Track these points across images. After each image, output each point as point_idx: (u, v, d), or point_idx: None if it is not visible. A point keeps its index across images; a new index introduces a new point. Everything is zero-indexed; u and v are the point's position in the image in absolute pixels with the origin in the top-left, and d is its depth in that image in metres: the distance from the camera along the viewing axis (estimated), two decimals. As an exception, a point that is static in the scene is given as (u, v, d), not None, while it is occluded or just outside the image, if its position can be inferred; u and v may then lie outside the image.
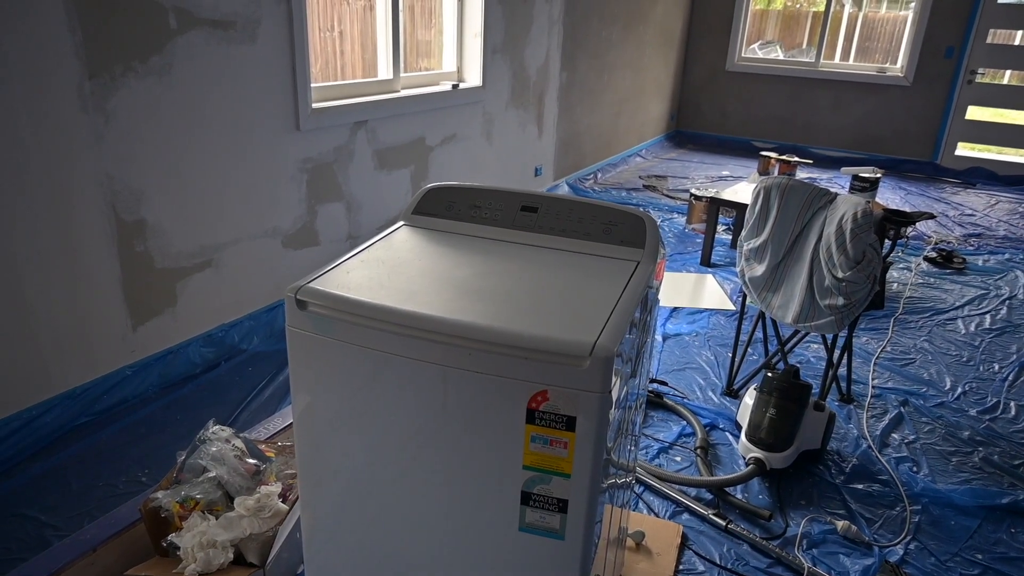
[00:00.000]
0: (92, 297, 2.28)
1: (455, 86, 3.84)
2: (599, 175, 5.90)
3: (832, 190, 2.35)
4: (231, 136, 2.61)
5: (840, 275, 2.21)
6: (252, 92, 2.65)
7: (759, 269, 2.46)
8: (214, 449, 1.61)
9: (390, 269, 1.26)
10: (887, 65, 6.84)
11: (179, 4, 2.33)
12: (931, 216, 2.76)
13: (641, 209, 1.41)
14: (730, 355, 2.91)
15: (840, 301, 2.24)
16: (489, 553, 1.20)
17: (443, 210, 1.51)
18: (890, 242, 2.43)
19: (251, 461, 1.67)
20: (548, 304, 1.15)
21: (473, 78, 4.05)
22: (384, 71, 3.51)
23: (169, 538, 1.53)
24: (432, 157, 3.78)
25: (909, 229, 4.39)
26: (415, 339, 1.10)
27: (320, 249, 3.15)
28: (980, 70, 6.32)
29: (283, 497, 1.63)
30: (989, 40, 6.20)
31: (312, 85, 2.95)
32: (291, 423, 2.03)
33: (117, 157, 2.25)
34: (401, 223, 1.51)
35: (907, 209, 4.94)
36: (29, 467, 2.09)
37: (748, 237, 2.47)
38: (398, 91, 3.53)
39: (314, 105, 2.97)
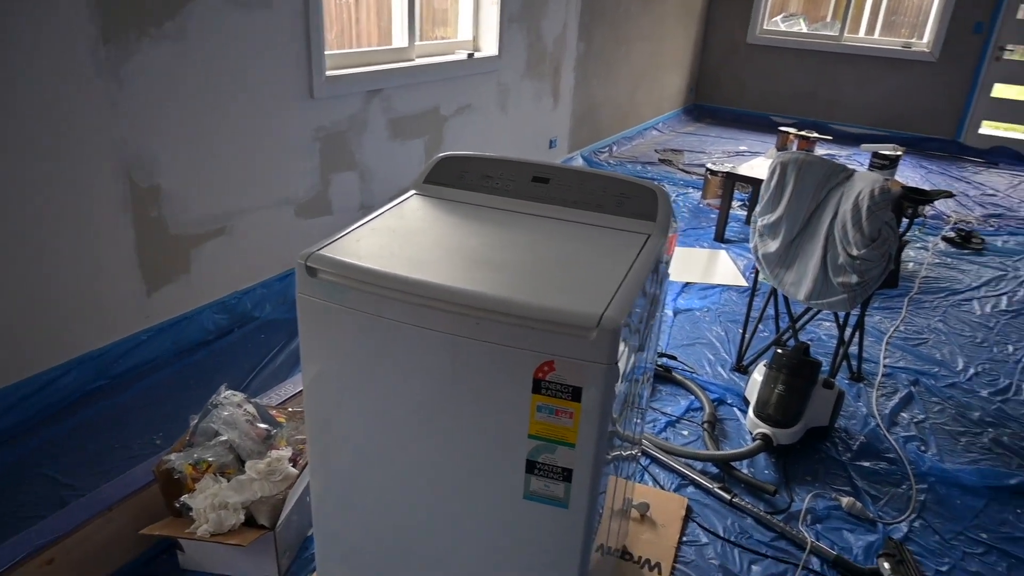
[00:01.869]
0: (107, 262, 2.30)
1: (471, 55, 3.80)
2: (614, 148, 5.85)
3: (850, 167, 2.32)
4: (245, 103, 2.60)
5: (855, 253, 2.19)
6: (266, 59, 2.64)
7: (773, 245, 2.44)
8: (226, 413, 1.64)
9: (401, 238, 1.26)
10: (913, 40, 6.69)
11: (193, -32, 2.31)
12: (949, 195, 2.72)
13: (654, 182, 1.40)
14: (741, 331, 2.90)
15: (854, 279, 2.22)
16: (494, 520, 1.22)
17: (455, 180, 1.50)
18: (907, 220, 2.40)
19: (262, 426, 1.70)
20: (557, 275, 1.15)
21: (489, 47, 4.01)
22: (399, 39, 3.48)
23: (182, 499, 1.56)
24: (447, 127, 3.76)
25: (927, 208, 4.33)
26: (424, 307, 1.10)
27: (333, 218, 3.16)
28: (1009, 46, 6.16)
29: (294, 461, 1.65)
30: (1021, 16, 6.03)
31: (326, 52, 2.93)
32: (302, 389, 2.05)
33: (132, 123, 2.26)
34: (412, 192, 1.51)
35: (926, 187, 4.86)
36: (47, 428, 2.14)
37: (763, 213, 2.45)
38: (413, 59, 3.50)
39: (328, 73, 2.95)
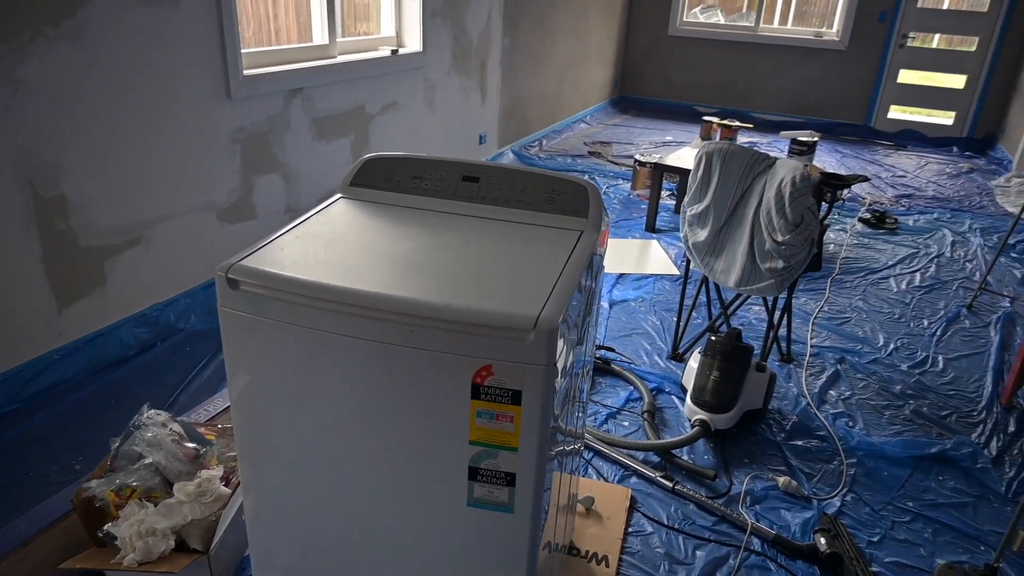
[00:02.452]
0: (12, 278, 2.15)
1: (394, 52, 3.73)
2: (544, 142, 5.86)
3: (772, 154, 2.38)
4: (157, 105, 2.47)
5: (780, 239, 2.25)
6: (178, 58, 2.51)
7: (702, 234, 2.48)
8: (149, 434, 1.55)
9: (326, 244, 1.22)
10: (823, 29, 6.95)
11: (92, -37, 2.18)
12: (865, 179, 2.83)
13: (584, 177, 1.39)
14: (675, 320, 2.95)
15: (780, 264, 2.28)
16: (438, 530, 1.19)
17: (382, 181, 1.46)
18: (827, 205, 2.48)
19: (190, 445, 1.62)
20: (491, 277, 1.13)
21: (413, 43, 3.94)
22: (319, 36, 3.38)
23: (106, 528, 1.47)
24: (372, 126, 3.68)
25: (844, 192, 4.51)
26: (354, 317, 1.06)
27: (257, 223, 3.05)
28: (911, 34, 6.48)
29: (226, 480, 1.58)
30: (920, 4, 6.35)
31: (243, 51, 2.81)
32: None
33: (31, 129, 2.11)
34: (338, 195, 1.46)
35: (843, 172, 5.07)
36: (-49, 460, 1.98)
37: (691, 202, 2.49)
38: (335, 57, 3.41)
39: (245, 72, 2.84)
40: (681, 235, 2.57)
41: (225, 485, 1.58)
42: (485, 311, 1.02)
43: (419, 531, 1.20)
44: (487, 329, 1.01)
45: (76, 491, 1.50)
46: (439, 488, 1.15)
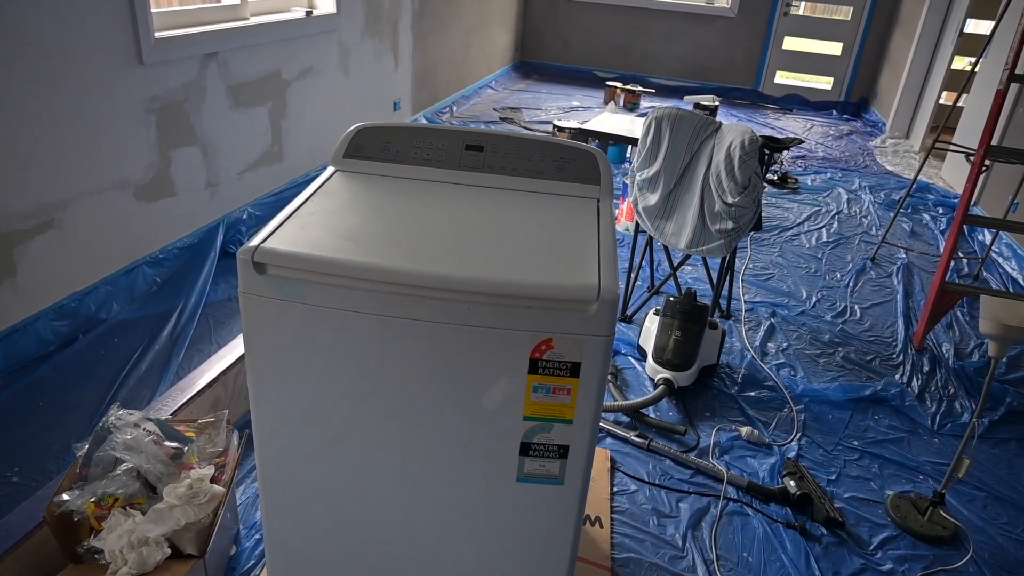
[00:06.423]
0: (-91, 273, 1.88)
1: (309, 13, 3.51)
2: (455, 108, 5.76)
3: (716, 120, 2.45)
4: (63, 73, 2.21)
5: (730, 200, 2.34)
6: (83, 18, 2.25)
7: (652, 198, 2.54)
8: (127, 437, 1.41)
9: (347, 221, 1.14)
10: (714, -4, 7.21)
11: (-19, -95, 1.89)
12: (800, 141, 2.99)
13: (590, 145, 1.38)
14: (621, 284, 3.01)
15: (729, 225, 2.38)
16: (481, 508, 1.17)
17: (378, 152, 1.38)
18: (764, 167, 2.60)
19: (169, 444, 1.49)
20: (531, 249, 1.10)
21: (326, 4, 3.73)
22: (229, -5, 3.12)
23: (89, 542, 1.33)
24: (290, 93, 3.47)
25: (784, 153, 4.74)
26: (406, 297, 1.01)
27: (177, 200, 2.81)
28: (794, 2, 6.84)
29: (215, 479, 1.47)
30: (801, -26, 6.71)
31: (153, 10, 2.55)
32: (195, 395, 1.83)
33: (-78, 99, 1.83)
34: (332, 169, 1.37)
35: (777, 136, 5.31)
36: None
37: (641, 167, 2.53)
38: (247, 18, 3.17)
39: (157, 34, 2.58)
40: (630, 199, 2.61)
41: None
42: (549, 284, 1.00)
43: (460, 511, 1.17)
44: (551, 302, 0.99)
45: (47, 506, 1.34)
46: (485, 466, 1.13)
